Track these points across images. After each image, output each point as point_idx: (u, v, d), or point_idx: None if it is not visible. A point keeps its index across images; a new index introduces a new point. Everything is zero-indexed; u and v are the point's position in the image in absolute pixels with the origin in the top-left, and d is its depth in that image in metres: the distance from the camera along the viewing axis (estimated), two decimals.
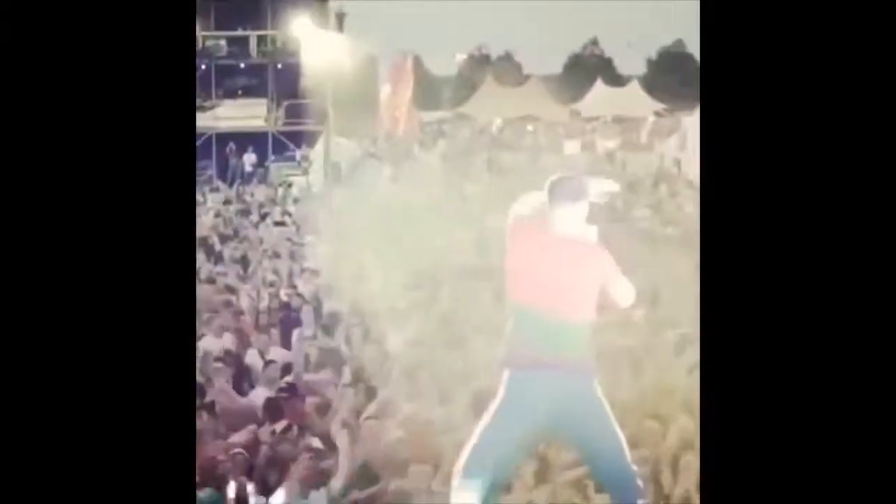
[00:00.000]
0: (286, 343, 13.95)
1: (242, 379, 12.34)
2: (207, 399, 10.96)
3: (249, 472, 9.12)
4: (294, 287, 17.12)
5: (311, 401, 11.08)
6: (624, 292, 6.17)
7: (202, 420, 10.09)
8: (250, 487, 8.70)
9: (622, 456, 6.02)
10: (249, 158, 40.05)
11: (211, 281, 17.61)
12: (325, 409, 10.78)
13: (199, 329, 13.94)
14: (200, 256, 20.26)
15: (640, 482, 6.08)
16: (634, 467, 6.07)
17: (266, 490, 8.83)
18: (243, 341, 13.97)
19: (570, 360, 5.99)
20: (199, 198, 32.47)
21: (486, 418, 6.02)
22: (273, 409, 10.73)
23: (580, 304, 6.05)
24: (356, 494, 8.83)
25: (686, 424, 9.02)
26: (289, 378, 11.92)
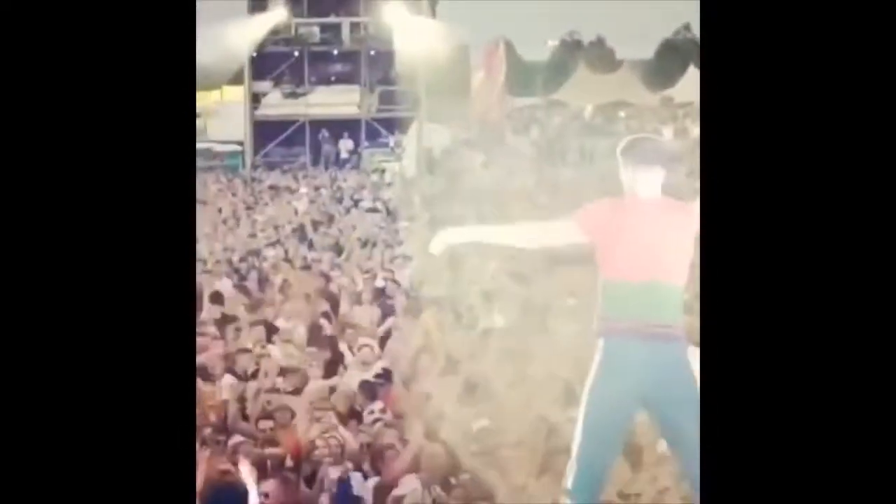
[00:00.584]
0: (381, 329, 14.03)
1: (337, 363, 12.43)
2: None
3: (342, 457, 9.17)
4: (390, 273, 17.19)
5: (405, 387, 11.16)
6: None
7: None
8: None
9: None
10: (346, 145, 40.24)
11: (306, 267, 17.75)
12: (418, 396, 10.83)
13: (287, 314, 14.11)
14: (293, 242, 20.43)
15: None
16: None
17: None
18: (338, 327, 14.07)
19: (665, 326, 5.84)
20: (292, 184, 32.74)
21: (584, 395, 5.90)
22: (368, 392, 10.82)
23: (672, 264, 5.87)
24: (451, 480, 8.86)
25: None
26: (384, 363, 11.99)
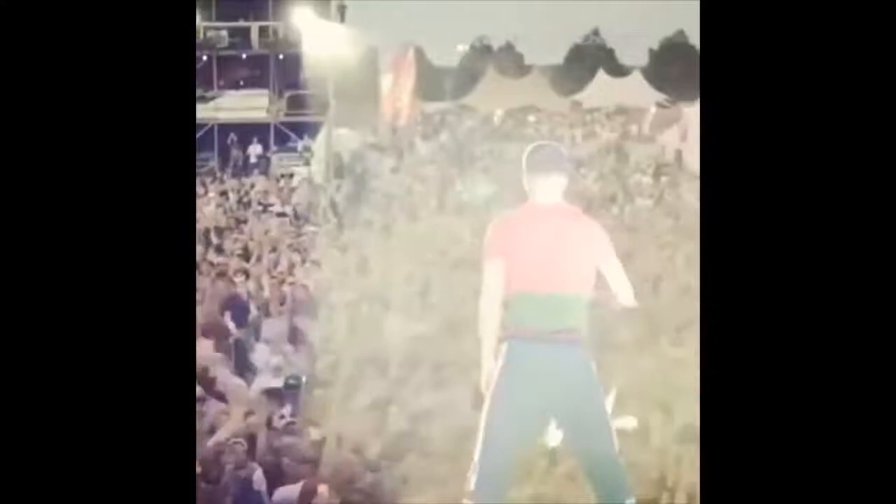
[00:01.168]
0: (290, 334, 13.96)
1: (245, 369, 12.36)
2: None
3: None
4: (294, 278, 17.12)
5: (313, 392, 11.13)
6: (624, 288, 6.05)
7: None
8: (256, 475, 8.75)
9: (612, 449, 5.90)
10: (255, 150, 40.07)
11: (220, 273, 17.62)
12: (324, 399, 10.82)
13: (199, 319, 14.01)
14: (200, 248, 20.30)
15: (628, 481, 5.99)
16: (622, 461, 5.96)
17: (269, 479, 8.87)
18: (247, 331, 14.00)
19: (568, 329, 5.87)
20: (199, 189, 32.52)
21: (487, 399, 5.95)
22: (275, 398, 10.79)
23: (574, 274, 5.91)
24: (358, 484, 8.85)
25: (687, 418, 9.03)
26: (294, 370, 11.95)
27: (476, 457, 5.91)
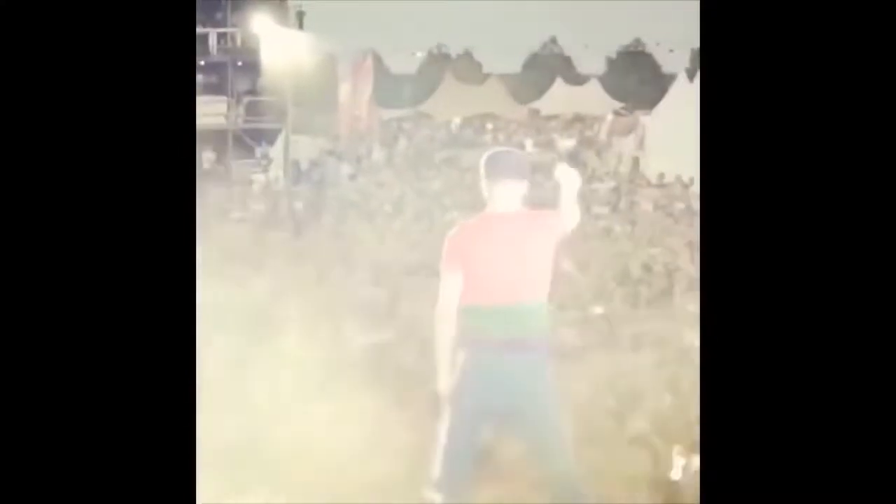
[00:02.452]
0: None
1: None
2: None
3: None
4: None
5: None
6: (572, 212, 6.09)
7: None
8: None
9: (567, 454, 5.97)
10: (208, 157, 39.90)
11: None
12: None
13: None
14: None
15: (584, 490, 6.04)
16: (578, 471, 6.02)
17: None
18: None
19: (525, 338, 5.90)
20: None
21: (446, 406, 5.98)
22: None
23: (533, 281, 5.94)
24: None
25: (642, 424, 9.07)
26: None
27: (437, 462, 5.96)
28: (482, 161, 6.16)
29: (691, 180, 24.74)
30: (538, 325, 5.96)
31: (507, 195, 6.04)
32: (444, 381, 6.02)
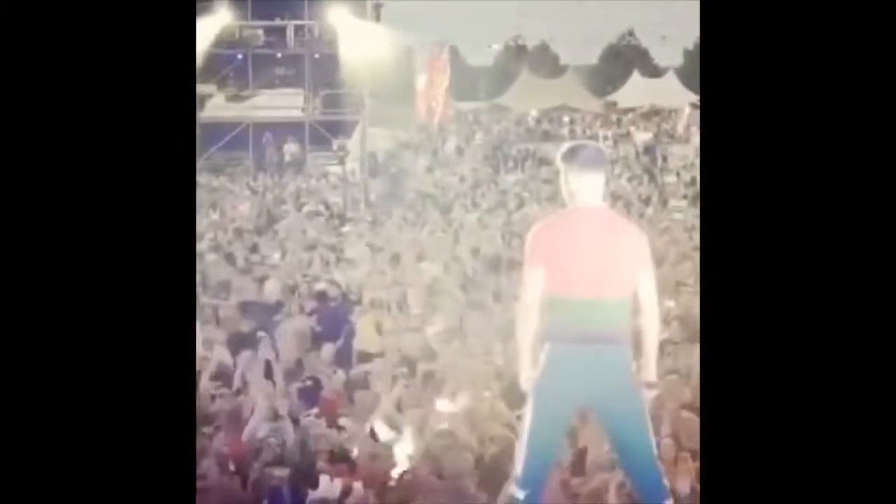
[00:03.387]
0: (326, 333, 13.89)
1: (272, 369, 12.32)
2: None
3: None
4: (332, 276, 17.08)
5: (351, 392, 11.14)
6: (651, 312, 6.01)
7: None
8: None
9: (650, 450, 5.95)
10: (290, 149, 40.06)
11: (247, 271, 17.61)
12: (367, 398, 10.81)
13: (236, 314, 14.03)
14: (238, 245, 20.35)
15: (666, 482, 6.05)
16: (661, 465, 6.02)
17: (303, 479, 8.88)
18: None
19: (609, 333, 5.87)
20: (234, 188, 32.60)
21: (529, 398, 5.98)
22: (305, 397, 10.80)
23: (615, 279, 5.90)
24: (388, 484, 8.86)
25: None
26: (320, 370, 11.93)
27: (522, 445, 5.97)
28: (561, 154, 6.12)
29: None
30: (622, 319, 5.93)
31: (589, 188, 6.00)
32: (527, 375, 6.00)
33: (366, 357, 12.70)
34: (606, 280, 5.87)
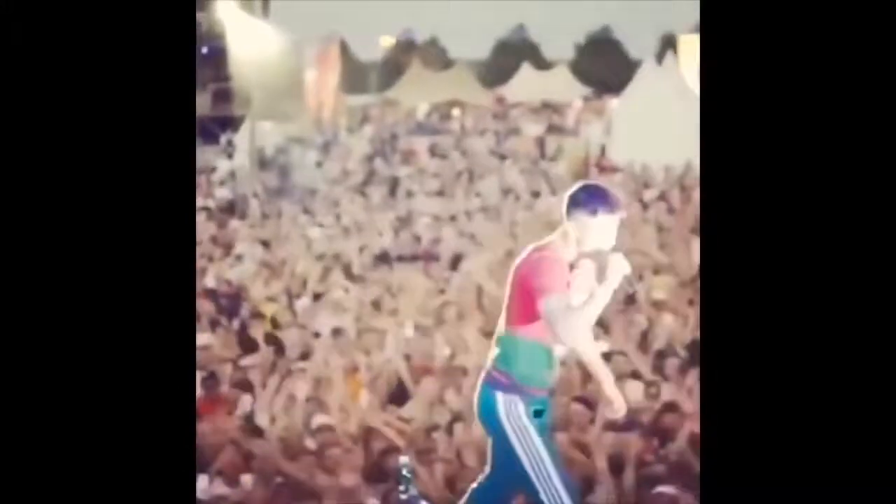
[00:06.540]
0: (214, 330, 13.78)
1: None
2: None
3: None
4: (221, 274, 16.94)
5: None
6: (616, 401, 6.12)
7: None
8: None
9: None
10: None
11: None
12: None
13: None
14: None
15: None
16: None
17: None
18: None
19: (538, 388, 5.95)
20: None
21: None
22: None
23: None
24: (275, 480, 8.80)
25: None
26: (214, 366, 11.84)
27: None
28: (567, 196, 6.02)
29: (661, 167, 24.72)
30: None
31: (608, 228, 5.95)
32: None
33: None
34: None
